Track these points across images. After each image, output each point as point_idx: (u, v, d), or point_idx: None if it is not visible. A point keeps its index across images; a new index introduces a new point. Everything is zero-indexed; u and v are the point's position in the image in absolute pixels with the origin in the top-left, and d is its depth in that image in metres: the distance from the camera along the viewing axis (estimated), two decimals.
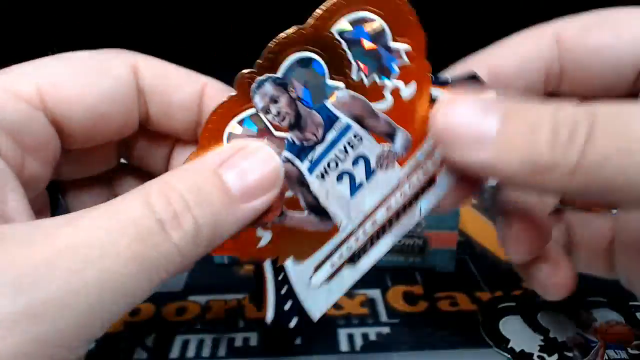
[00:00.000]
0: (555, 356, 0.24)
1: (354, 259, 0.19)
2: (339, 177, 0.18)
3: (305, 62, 0.17)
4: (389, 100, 0.18)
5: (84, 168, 0.19)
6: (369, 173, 0.18)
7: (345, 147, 0.18)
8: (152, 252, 0.13)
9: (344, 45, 0.17)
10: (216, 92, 0.18)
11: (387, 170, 0.18)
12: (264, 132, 0.17)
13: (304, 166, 0.18)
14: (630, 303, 0.28)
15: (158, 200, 0.14)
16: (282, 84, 0.17)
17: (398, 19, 0.17)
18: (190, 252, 0.14)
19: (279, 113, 0.17)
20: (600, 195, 0.14)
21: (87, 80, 0.16)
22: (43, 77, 0.15)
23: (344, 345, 0.26)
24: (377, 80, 0.17)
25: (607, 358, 0.24)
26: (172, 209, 0.14)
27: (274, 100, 0.17)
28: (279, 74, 0.17)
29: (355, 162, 0.18)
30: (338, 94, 0.17)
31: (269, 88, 0.17)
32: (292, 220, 0.18)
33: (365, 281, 0.31)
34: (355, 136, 0.18)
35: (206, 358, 0.25)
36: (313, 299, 0.19)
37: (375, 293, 0.30)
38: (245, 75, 0.17)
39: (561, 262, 0.20)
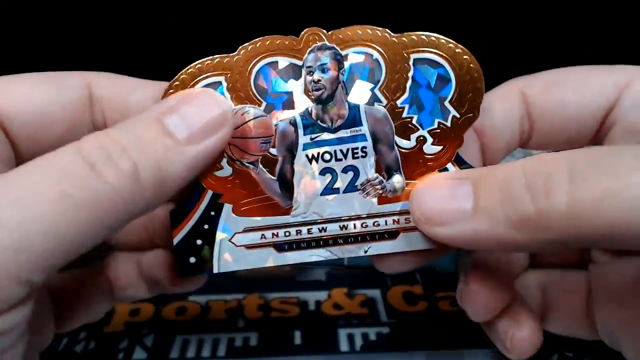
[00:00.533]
0: (556, 356, 0.24)
1: (283, 247, 0.18)
2: (323, 171, 0.18)
3: (371, 60, 0.17)
4: (411, 143, 0.18)
5: None
6: (350, 187, 0.18)
7: (347, 151, 0.18)
8: (83, 192, 0.13)
9: (412, 72, 0.18)
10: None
11: (365, 198, 0.18)
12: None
13: (302, 139, 0.18)
14: None
15: (89, 145, 0.14)
16: (340, 62, 0.17)
17: (467, 88, 0.18)
18: (134, 192, 0.14)
19: (318, 81, 0.17)
20: (601, 237, 0.13)
21: (37, 86, 0.16)
22: None
23: (344, 345, 0.26)
24: (414, 122, 0.18)
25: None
26: (105, 152, 0.14)
27: (323, 70, 0.17)
28: (344, 53, 0.17)
29: (345, 170, 0.18)
30: (376, 106, 0.18)
31: (327, 56, 0.17)
32: (259, 175, 0.18)
33: (365, 281, 0.31)
34: (363, 149, 0.18)
35: (206, 358, 0.25)
36: (224, 253, 0.18)
37: (375, 293, 0.30)
38: (308, 33, 0.17)
39: (524, 317, 0.20)
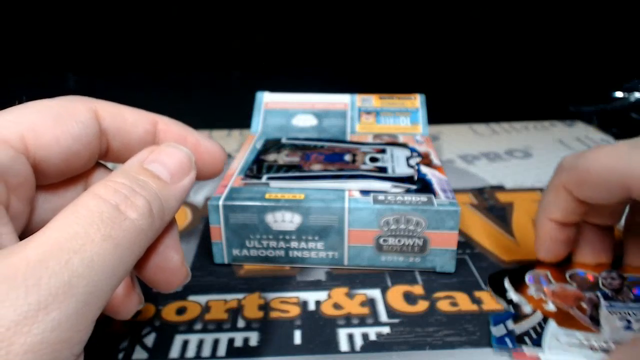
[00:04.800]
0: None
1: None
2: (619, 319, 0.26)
3: None
4: None
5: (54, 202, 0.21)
6: None
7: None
8: (118, 231, 0.15)
9: None
10: (167, 126, 0.21)
11: None
12: None
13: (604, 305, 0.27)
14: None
15: (106, 192, 0.16)
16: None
17: None
18: (150, 225, 0.17)
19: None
20: None
21: (61, 127, 0.19)
22: (24, 125, 0.18)
23: (344, 345, 0.26)
24: None
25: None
26: (122, 194, 0.16)
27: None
28: None
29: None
30: None
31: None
32: (574, 312, 0.27)
33: (365, 281, 0.31)
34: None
35: (206, 358, 0.25)
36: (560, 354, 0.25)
37: (375, 293, 0.30)
38: None
39: None
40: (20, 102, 0.19)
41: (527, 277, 0.30)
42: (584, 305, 0.27)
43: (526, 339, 0.25)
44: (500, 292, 0.29)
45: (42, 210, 0.20)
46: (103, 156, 0.21)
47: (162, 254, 0.20)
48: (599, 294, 0.28)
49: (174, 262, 0.20)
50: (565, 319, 0.26)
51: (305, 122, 0.44)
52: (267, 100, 0.46)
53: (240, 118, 0.50)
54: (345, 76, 0.60)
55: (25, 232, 0.20)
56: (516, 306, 0.28)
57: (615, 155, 0.24)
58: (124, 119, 0.21)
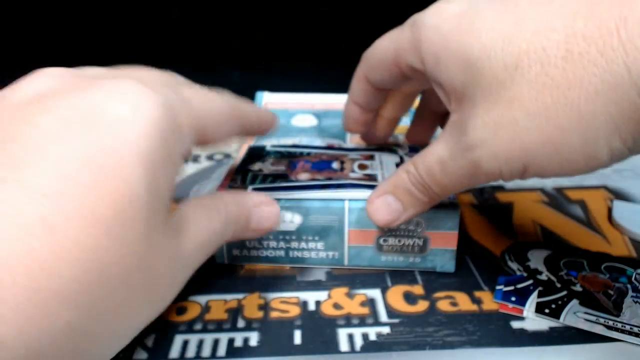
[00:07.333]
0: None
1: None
2: None
3: None
4: None
5: None
6: None
7: None
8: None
9: None
10: None
11: None
12: None
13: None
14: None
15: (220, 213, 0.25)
16: None
17: None
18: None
19: None
20: None
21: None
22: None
23: (343, 345, 0.26)
24: None
25: None
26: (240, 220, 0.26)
27: None
28: None
29: None
30: None
31: None
32: (598, 296, 0.29)
33: (365, 281, 0.31)
34: None
35: (206, 358, 0.25)
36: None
37: (375, 293, 0.30)
38: None
39: None
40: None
41: (562, 262, 0.32)
42: (611, 292, 0.29)
43: (546, 310, 0.28)
44: (520, 260, 0.33)
45: None
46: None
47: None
48: (629, 286, 0.30)
49: None
50: (588, 300, 0.28)
51: (305, 122, 0.44)
52: (267, 100, 0.46)
53: None
54: (345, 76, 0.60)
55: None
56: (535, 277, 0.31)
57: (388, 36, 0.28)
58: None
